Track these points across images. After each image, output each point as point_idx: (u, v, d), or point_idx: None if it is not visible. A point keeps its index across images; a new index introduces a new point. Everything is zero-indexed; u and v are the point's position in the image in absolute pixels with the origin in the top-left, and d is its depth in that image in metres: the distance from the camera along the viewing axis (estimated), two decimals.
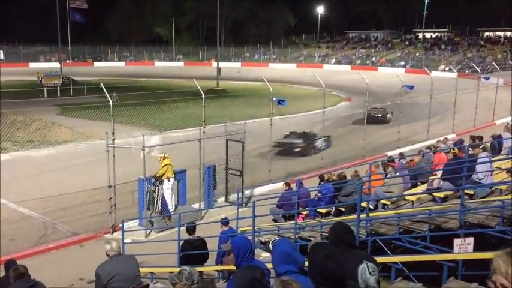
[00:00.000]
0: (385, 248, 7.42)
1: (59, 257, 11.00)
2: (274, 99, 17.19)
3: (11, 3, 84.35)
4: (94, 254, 10.34)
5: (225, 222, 9.13)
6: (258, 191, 15.46)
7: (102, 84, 13.01)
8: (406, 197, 10.01)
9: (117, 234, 11.55)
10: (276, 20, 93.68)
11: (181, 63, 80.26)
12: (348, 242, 3.93)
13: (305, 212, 11.73)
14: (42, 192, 13.58)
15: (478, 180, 9.45)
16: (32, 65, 70.67)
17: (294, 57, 78.47)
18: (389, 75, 41.16)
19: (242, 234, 9.11)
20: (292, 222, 10.54)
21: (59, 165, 17.47)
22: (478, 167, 9.43)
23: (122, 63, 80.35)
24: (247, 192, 14.97)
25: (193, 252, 8.35)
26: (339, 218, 9.77)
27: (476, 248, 6.15)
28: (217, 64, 54.15)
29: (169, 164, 12.64)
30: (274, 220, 12.33)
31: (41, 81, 41.14)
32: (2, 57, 74.93)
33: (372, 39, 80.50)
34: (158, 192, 12.57)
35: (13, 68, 66.84)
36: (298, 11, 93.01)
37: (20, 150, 20.48)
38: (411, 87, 22.35)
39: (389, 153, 19.33)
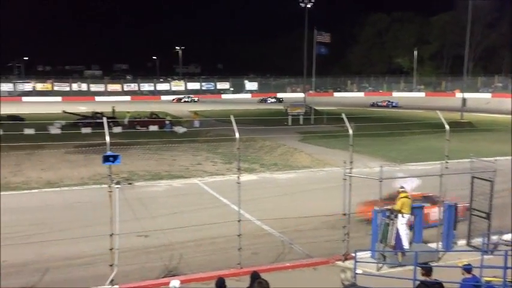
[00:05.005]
0: None
1: (294, 277, 11.53)
2: None
3: (267, 45, 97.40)
4: (326, 279, 10.60)
5: (468, 268, 8.25)
6: (507, 237, 13.56)
7: (343, 114, 13.38)
8: None
9: (349, 263, 11.58)
10: None
11: (421, 94, 78.04)
12: None
13: None
14: (282, 212, 14.63)
15: None
16: (280, 94, 78.43)
17: None
18: None
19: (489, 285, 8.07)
20: None
21: (298, 189, 18.61)
22: None
23: (361, 94, 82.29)
24: (493, 237, 13.29)
25: None
26: None
27: None
28: (463, 95, 50.73)
29: (407, 198, 12.12)
30: None
31: (286, 110, 45.28)
32: (256, 88, 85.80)
33: None
34: (392, 226, 12.17)
35: (264, 97, 75.67)
36: None
37: (266, 172, 22.65)
38: None
39: None
